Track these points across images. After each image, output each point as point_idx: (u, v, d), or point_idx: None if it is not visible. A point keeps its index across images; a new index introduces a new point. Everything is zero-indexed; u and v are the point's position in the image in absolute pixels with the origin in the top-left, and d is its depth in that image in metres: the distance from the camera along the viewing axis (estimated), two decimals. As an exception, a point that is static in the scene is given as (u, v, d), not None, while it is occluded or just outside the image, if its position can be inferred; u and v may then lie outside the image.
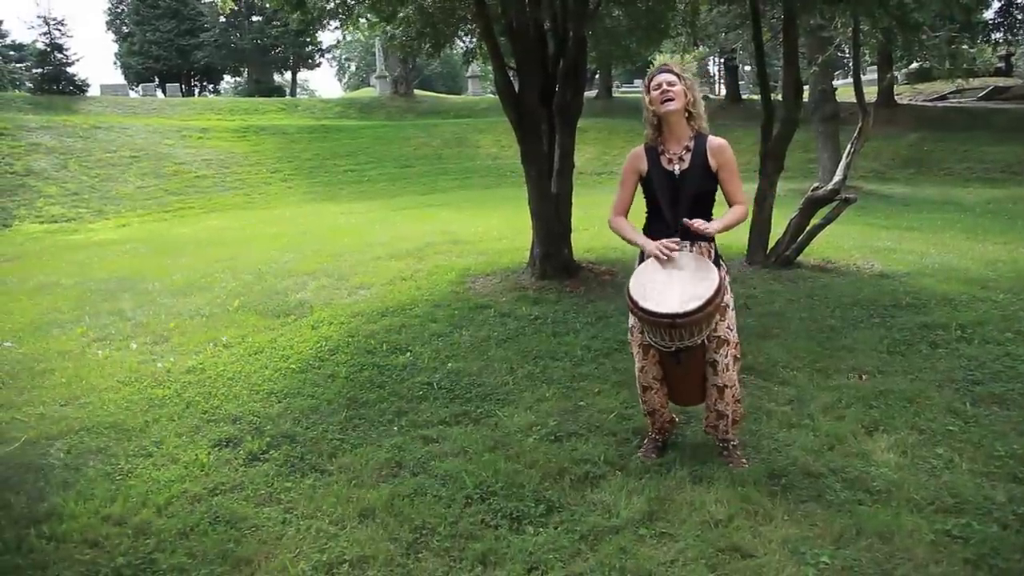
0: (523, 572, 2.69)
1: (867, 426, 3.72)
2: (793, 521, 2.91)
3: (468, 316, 5.96)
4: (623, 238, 3.38)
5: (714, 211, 3.28)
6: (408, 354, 5.13)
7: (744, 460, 3.37)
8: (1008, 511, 2.89)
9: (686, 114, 3.22)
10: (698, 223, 3.08)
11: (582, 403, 4.19)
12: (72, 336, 5.98)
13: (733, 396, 3.33)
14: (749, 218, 7.43)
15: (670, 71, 3.23)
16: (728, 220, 3.20)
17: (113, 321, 6.39)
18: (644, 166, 3.30)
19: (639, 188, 3.37)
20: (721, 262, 3.31)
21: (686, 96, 3.19)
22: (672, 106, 3.17)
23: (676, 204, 3.23)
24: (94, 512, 3.17)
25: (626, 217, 3.40)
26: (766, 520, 2.92)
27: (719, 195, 3.32)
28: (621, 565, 2.68)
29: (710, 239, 3.24)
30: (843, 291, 6.32)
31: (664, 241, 3.17)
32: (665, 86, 3.18)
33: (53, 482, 3.46)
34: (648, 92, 3.25)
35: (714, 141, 3.24)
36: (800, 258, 7.51)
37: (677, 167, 3.24)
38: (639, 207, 3.40)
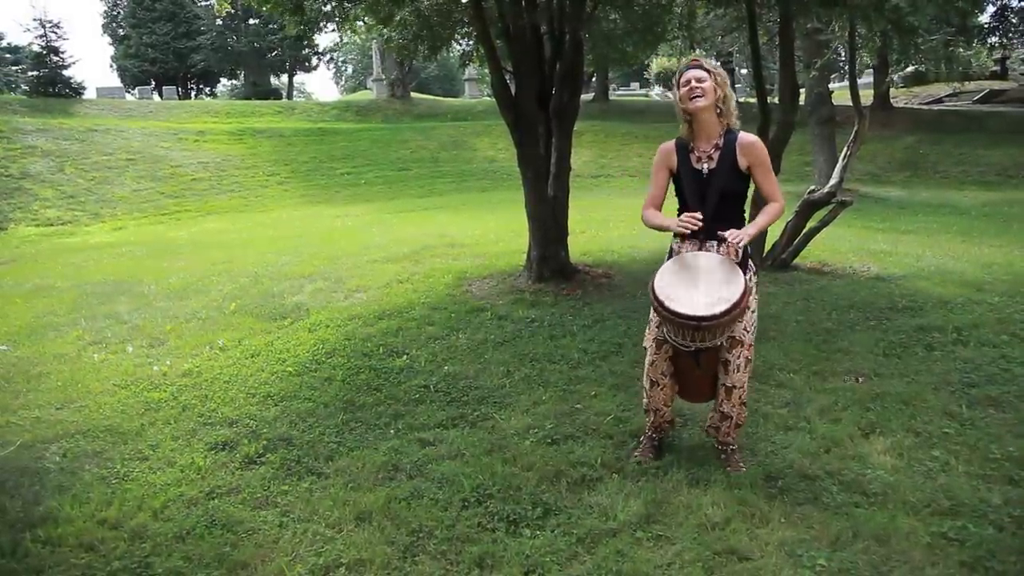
0: (520, 575, 2.69)
1: (863, 428, 3.73)
2: (790, 523, 2.91)
3: (465, 319, 5.96)
4: (654, 227, 3.31)
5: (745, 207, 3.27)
6: (405, 357, 5.13)
7: (742, 464, 3.37)
8: (1004, 513, 2.90)
9: (717, 110, 3.16)
10: (731, 237, 3.03)
11: (579, 406, 4.19)
12: (68, 339, 5.97)
13: (740, 398, 3.31)
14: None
15: (700, 67, 3.18)
16: (762, 222, 3.19)
17: (109, 324, 6.38)
18: (674, 162, 3.27)
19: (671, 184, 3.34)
20: (750, 262, 3.27)
21: (716, 92, 3.14)
22: (700, 103, 3.12)
23: (704, 203, 3.18)
24: (90, 516, 3.16)
25: (660, 211, 3.36)
26: (763, 523, 2.92)
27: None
28: (618, 568, 2.68)
29: None
30: (839, 294, 6.33)
31: (685, 216, 3.11)
32: (694, 83, 3.13)
33: (49, 486, 3.45)
34: (678, 89, 3.19)
35: (744, 138, 3.18)
36: (796, 261, 7.52)
37: (705, 166, 3.20)
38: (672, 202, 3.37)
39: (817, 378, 4.47)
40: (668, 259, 3.28)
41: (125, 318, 6.56)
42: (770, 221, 3.23)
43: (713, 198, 3.18)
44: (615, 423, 3.90)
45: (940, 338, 5.01)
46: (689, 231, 3.10)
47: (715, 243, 3.19)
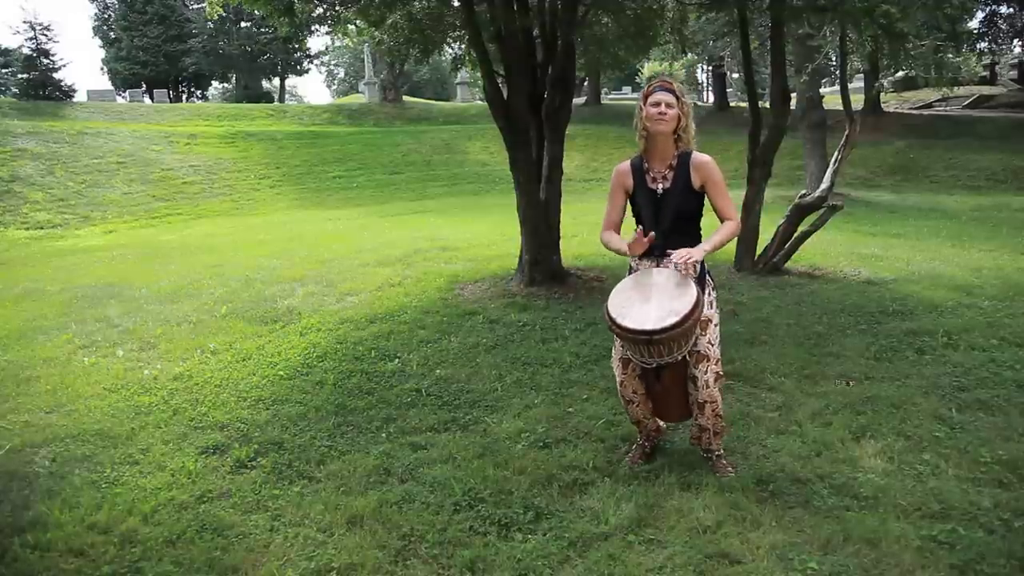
0: (512, 579, 2.69)
1: (854, 432, 3.74)
2: (781, 527, 2.92)
3: (456, 323, 5.96)
4: (613, 251, 3.37)
5: (701, 225, 3.28)
6: (396, 361, 5.12)
7: (729, 468, 3.37)
8: (994, 516, 2.91)
9: (674, 136, 3.21)
10: (676, 258, 3.04)
11: (570, 410, 4.19)
12: (58, 343, 5.93)
13: (714, 411, 3.32)
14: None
15: (671, 91, 3.20)
16: (717, 239, 3.20)
17: (99, 328, 6.35)
18: (630, 183, 3.31)
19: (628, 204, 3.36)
20: (708, 277, 3.31)
21: (679, 120, 3.18)
22: (662, 127, 3.16)
23: (658, 223, 3.23)
24: (79, 520, 3.14)
25: (618, 232, 3.39)
26: (754, 526, 2.93)
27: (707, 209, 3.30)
28: (610, 572, 2.68)
29: None
30: (830, 298, 6.35)
31: (635, 237, 3.11)
32: (664, 107, 3.16)
33: (38, 490, 3.42)
34: (644, 104, 3.22)
35: (697, 158, 3.23)
36: (788, 265, 7.55)
37: (660, 186, 3.26)
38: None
39: (808, 382, 4.48)
40: (627, 276, 3.32)
41: (115, 322, 6.53)
42: (725, 240, 3.25)
43: (668, 217, 3.23)
44: (606, 427, 3.90)
45: (930, 342, 5.03)
46: (639, 253, 3.13)
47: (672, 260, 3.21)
